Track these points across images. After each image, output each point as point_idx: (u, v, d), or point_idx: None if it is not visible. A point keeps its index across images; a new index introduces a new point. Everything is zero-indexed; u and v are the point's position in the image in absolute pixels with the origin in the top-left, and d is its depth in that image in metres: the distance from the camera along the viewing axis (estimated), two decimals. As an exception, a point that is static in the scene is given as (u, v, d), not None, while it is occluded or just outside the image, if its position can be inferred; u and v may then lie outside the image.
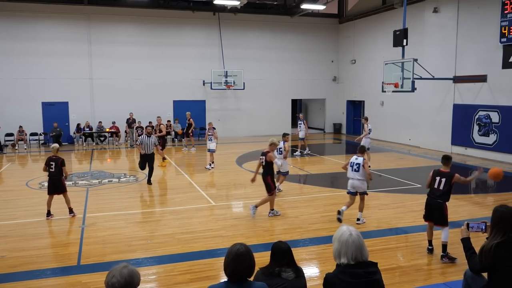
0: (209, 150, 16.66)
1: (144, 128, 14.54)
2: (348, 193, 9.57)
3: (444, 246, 7.39)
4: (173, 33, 25.33)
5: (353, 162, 9.40)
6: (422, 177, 14.42)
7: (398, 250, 7.91)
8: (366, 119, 16.95)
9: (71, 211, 10.18)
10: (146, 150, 13.48)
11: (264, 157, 9.84)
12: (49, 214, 9.99)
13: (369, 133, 16.33)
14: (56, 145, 10.69)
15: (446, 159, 7.67)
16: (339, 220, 9.37)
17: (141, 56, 24.66)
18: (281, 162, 12.05)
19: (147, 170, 13.73)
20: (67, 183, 13.70)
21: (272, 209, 10.07)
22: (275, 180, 10.34)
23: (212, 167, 16.34)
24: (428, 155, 19.12)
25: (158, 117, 19.14)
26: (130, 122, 23.35)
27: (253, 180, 10.22)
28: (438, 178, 7.48)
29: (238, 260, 3.31)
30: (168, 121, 24.92)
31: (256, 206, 9.97)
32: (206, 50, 25.81)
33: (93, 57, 24.03)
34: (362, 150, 9.58)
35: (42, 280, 6.75)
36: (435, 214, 7.48)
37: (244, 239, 7.96)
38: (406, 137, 22.50)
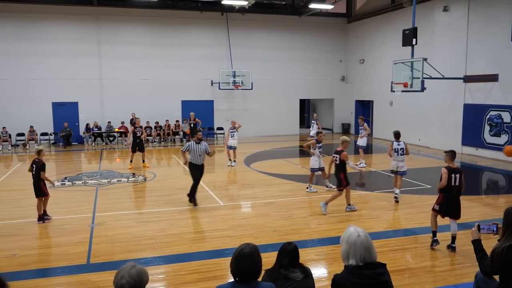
0: (230, 147, 16.82)
1: (196, 134, 11.66)
2: (392, 172, 11.79)
3: (454, 238, 7.78)
4: (182, 34, 25.39)
5: (397, 148, 11.33)
6: (432, 178, 14.32)
7: (407, 251, 7.85)
8: (363, 118, 17.09)
9: (39, 217, 9.72)
10: (196, 160, 11.11)
11: (338, 155, 10.21)
12: (45, 214, 9.85)
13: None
14: (39, 147, 10.40)
15: (455, 153, 7.98)
16: (397, 200, 11.07)
17: (149, 57, 24.75)
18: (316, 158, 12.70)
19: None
20: (77, 182, 13.85)
21: (349, 204, 10.37)
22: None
23: (233, 165, 16.76)
24: (438, 155, 18.97)
25: (132, 113, 18.78)
26: (134, 123, 23.41)
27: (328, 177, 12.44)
28: (453, 176, 7.66)
29: (239, 261, 3.28)
30: (177, 121, 25.02)
31: (327, 203, 10.24)
32: (214, 50, 25.85)
33: (102, 57, 24.16)
34: (397, 135, 11.34)
35: (52, 279, 6.79)
36: (455, 210, 7.76)
37: (252, 239, 7.93)
38: (415, 137, 22.34)
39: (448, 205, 7.75)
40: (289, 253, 4.05)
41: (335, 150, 10.51)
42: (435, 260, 7.43)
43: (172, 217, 10.10)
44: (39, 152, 10.05)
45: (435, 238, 7.83)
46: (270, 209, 10.62)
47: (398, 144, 11.26)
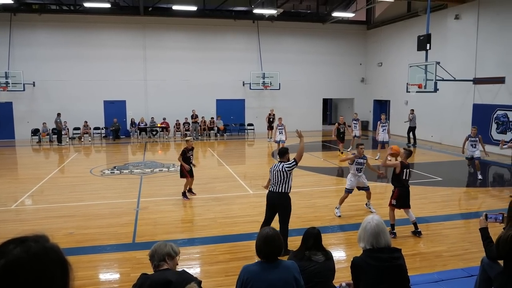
0: (279, 141, 16.99)
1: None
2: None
3: (416, 223, 7.77)
4: (217, 39, 25.48)
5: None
6: (443, 171, 14.08)
7: (419, 238, 7.72)
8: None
9: (183, 194, 10.49)
10: None
11: None
12: (189, 191, 10.74)
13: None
14: (187, 138, 11.04)
15: (411, 153, 8.11)
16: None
17: (189, 60, 24.93)
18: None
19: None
20: (124, 171, 14.14)
21: None
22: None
23: None
24: (448, 150, 18.55)
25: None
26: (194, 118, 23.80)
27: None
28: (405, 170, 7.74)
29: (268, 242, 3.36)
30: (212, 118, 25.15)
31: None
32: (246, 54, 25.85)
33: (148, 61, 24.49)
34: None
35: (103, 255, 6.98)
36: (407, 200, 7.77)
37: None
38: (428, 134, 21.88)
39: (404, 197, 7.70)
40: (313, 236, 4.07)
41: None
42: (444, 245, 7.29)
43: (207, 203, 10.20)
44: (186, 141, 10.67)
45: (393, 231, 7.69)
46: (294, 198, 10.48)
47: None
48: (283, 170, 6.85)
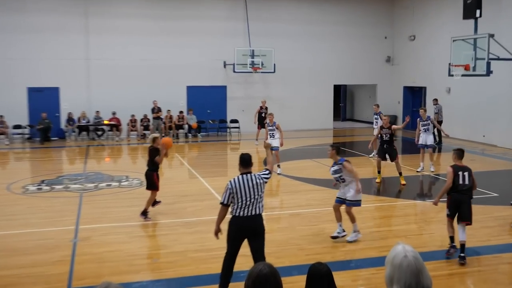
0: (271, 149, 14.54)
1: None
2: None
3: (463, 246, 8.05)
4: (189, 4, 25.47)
5: None
6: (500, 183, 14.13)
7: (468, 276, 7.74)
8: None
9: (143, 213, 10.58)
10: None
11: None
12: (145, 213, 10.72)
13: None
14: (153, 134, 11.17)
15: (463, 152, 8.77)
16: None
17: (149, 33, 24.84)
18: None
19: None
20: (57, 186, 13.99)
21: None
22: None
23: (279, 172, 15.68)
24: (507, 155, 18.69)
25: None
26: (156, 112, 23.74)
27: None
28: (461, 173, 8.23)
29: (260, 284, 3.29)
30: (181, 112, 25.04)
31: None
32: (228, 25, 25.87)
33: (91, 33, 24.36)
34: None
35: (25, 306, 6.87)
36: (462, 210, 8.16)
37: (273, 259, 7.86)
38: (479, 133, 22.05)
39: (455, 205, 8.19)
40: (322, 277, 4.01)
41: None
42: (503, 286, 7.29)
43: (174, 231, 10.13)
44: (153, 139, 10.82)
45: (453, 244, 8.19)
46: (296, 222, 10.58)
47: None
48: (261, 181, 6.86)
